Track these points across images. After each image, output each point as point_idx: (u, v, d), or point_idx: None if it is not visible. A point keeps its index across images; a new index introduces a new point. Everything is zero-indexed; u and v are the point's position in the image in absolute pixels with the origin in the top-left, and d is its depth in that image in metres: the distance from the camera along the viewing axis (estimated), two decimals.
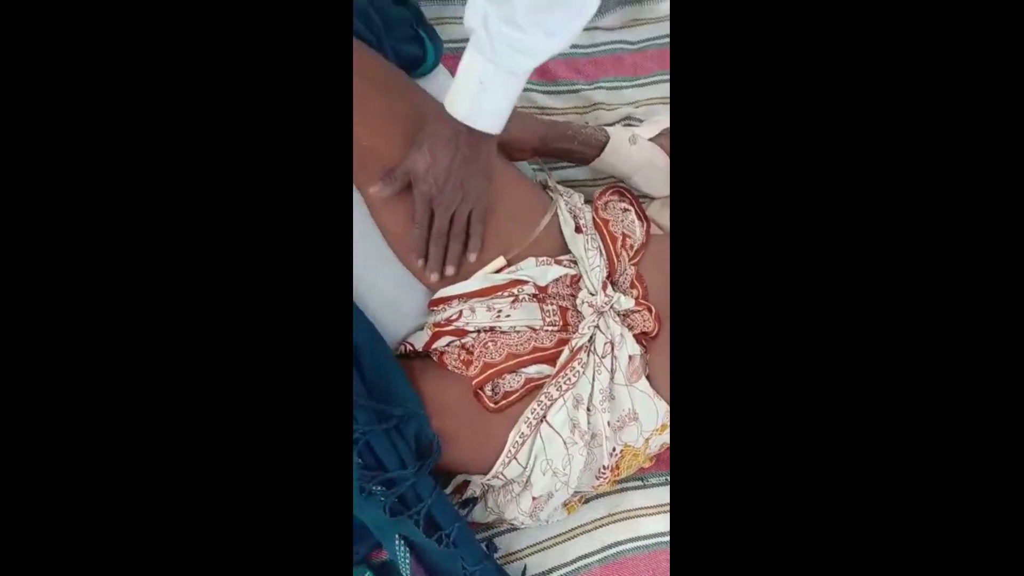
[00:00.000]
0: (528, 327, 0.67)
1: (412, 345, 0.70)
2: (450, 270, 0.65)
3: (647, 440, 0.69)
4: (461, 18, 0.56)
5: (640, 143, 0.77)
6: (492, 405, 0.65)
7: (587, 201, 0.76)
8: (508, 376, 0.66)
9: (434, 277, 0.66)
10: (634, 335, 0.68)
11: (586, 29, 0.59)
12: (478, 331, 0.67)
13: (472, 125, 0.58)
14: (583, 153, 0.77)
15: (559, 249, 0.70)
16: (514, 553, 0.70)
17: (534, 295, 0.68)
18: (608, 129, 0.78)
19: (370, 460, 0.61)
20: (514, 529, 0.71)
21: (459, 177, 0.61)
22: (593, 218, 0.72)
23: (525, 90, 0.66)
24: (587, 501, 0.74)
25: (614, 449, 0.67)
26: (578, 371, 0.65)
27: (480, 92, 0.57)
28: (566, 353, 0.65)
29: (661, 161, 0.78)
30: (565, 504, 0.70)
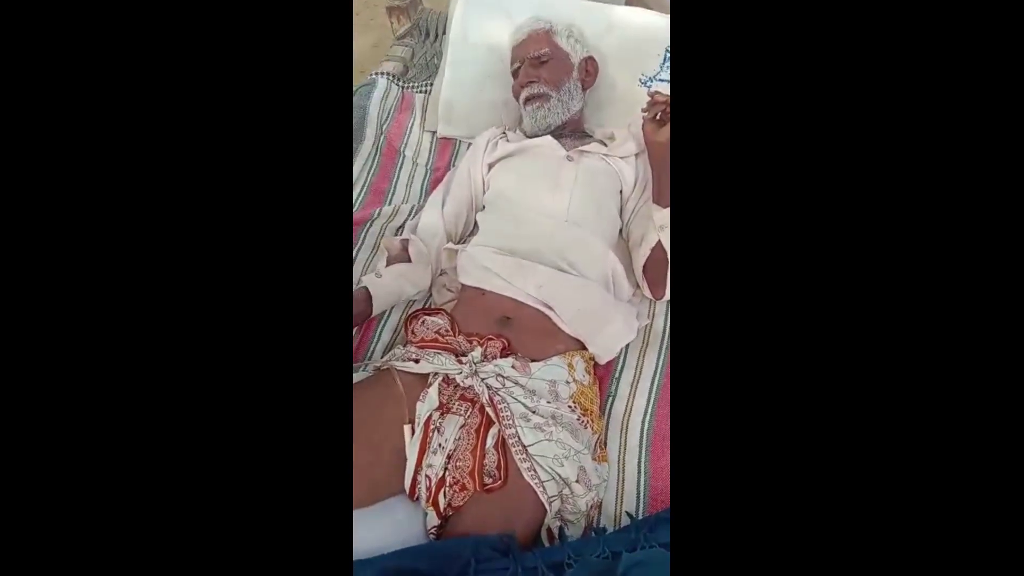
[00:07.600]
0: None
1: None
2: None
3: (574, 378, 0.86)
4: None
5: None
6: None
7: None
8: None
9: None
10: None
11: None
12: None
13: None
14: None
15: None
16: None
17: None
18: None
19: None
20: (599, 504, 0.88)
21: None
22: None
23: None
24: (605, 445, 0.91)
25: (570, 406, 0.83)
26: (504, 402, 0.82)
27: None
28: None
29: None
30: (596, 459, 0.84)
